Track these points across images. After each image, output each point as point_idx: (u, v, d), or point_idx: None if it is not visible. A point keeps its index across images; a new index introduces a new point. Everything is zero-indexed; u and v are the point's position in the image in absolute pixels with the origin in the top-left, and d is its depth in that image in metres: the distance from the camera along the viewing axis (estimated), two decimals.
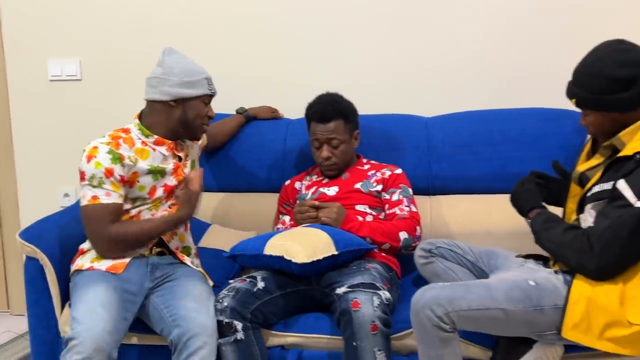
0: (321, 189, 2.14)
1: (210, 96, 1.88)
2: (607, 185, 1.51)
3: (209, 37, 2.58)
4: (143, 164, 1.80)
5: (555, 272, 1.60)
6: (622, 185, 1.47)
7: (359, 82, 2.46)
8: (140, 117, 1.87)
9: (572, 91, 1.60)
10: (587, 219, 1.56)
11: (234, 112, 2.42)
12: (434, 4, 2.42)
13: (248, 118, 2.40)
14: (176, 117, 1.83)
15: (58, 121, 2.74)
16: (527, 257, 1.75)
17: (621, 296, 1.48)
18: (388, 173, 2.13)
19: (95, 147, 1.75)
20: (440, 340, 1.51)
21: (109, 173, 1.73)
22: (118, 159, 1.75)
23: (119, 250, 1.79)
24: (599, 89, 1.53)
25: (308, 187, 2.19)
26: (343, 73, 2.50)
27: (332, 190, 2.13)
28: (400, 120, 2.33)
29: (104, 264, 1.78)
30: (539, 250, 1.69)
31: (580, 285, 1.51)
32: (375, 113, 2.34)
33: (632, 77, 1.50)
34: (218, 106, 2.39)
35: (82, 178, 1.75)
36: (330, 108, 2.09)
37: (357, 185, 2.11)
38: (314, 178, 2.21)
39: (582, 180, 1.64)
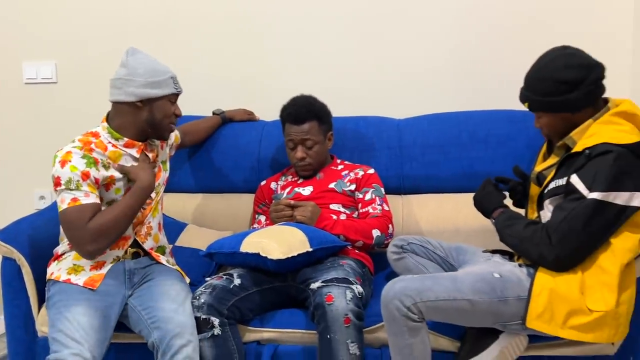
0: (296, 189, 2.19)
1: (176, 95, 1.87)
2: (562, 181, 1.60)
3: (185, 39, 2.61)
4: (115, 169, 1.80)
5: (520, 265, 1.68)
6: (575, 180, 1.56)
7: (333, 85, 2.51)
8: (107, 119, 1.86)
9: (525, 95, 1.68)
10: (547, 214, 1.65)
11: (211, 114, 2.46)
12: (405, 10, 2.49)
13: (224, 119, 2.43)
14: (143, 118, 1.82)
15: (34, 124, 2.74)
16: (494, 252, 1.82)
17: (581, 285, 1.56)
18: (361, 173, 2.19)
19: (69, 152, 1.74)
20: (409, 329, 1.57)
21: (85, 176, 1.72)
22: (93, 162, 1.74)
23: (104, 244, 1.74)
24: (549, 92, 1.62)
25: (283, 188, 2.23)
26: (318, 76, 2.55)
27: (307, 190, 2.18)
28: (372, 122, 2.39)
29: (81, 278, 1.78)
30: (504, 246, 1.77)
31: (543, 277, 1.59)
32: (349, 115, 2.40)
33: (578, 79, 1.60)
34: (194, 108, 2.44)
35: (58, 184, 1.72)
36: (304, 110, 2.14)
37: (331, 185, 2.17)
38: (289, 178, 2.26)
39: (540, 179, 1.73)
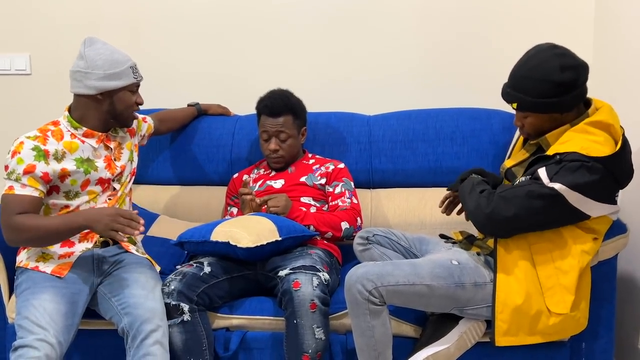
0: (268, 182, 2.24)
1: (137, 84, 1.87)
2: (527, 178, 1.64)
3: (159, 34, 2.63)
4: (70, 160, 1.80)
5: (478, 254, 1.75)
6: (541, 171, 1.58)
7: (305, 82, 2.55)
8: (70, 109, 1.87)
9: (512, 95, 1.66)
10: None
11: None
12: (377, 11, 2.55)
13: (199, 111, 2.46)
14: (105, 109, 1.83)
15: (7, 115, 2.74)
16: (454, 243, 1.89)
17: (541, 288, 1.62)
18: (332, 167, 2.25)
19: (22, 143, 1.76)
20: (370, 312, 1.62)
21: (28, 170, 1.74)
22: (42, 155, 1.75)
23: (20, 242, 1.78)
24: (542, 93, 1.61)
25: (255, 180, 2.27)
26: (291, 73, 2.60)
27: (278, 183, 2.22)
28: (343, 118, 2.45)
29: (49, 266, 1.79)
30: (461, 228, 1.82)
31: (503, 293, 1.64)
32: (321, 111, 2.46)
33: (573, 81, 1.60)
34: (167, 103, 2.47)
35: (6, 170, 1.76)
36: (280, 103, 2.19)
37: (302, 179, 2.22)
38: (262, 171, 2.30)
39: (508, 175, 1.77)
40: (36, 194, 1.76)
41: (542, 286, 1.62)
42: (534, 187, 1.58)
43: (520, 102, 1.65)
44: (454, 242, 1.88)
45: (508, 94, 1.68)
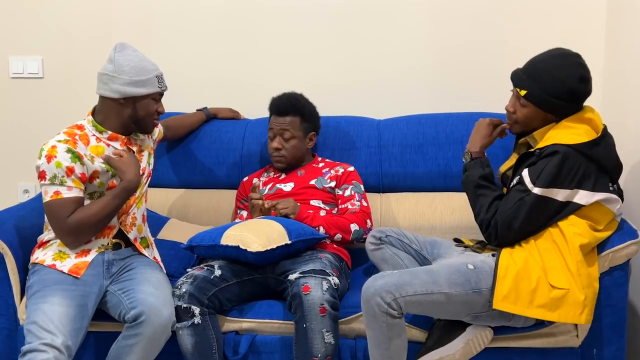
0: (278, 185, 2.24)
1: (160, 94, 1.90)
2: (516, 180, 1.72)
3: (171, 37, 2.65)
4: (99, 163, 1.84)
5: (493, 255, 1.75)
6: (525, 173, 1.68)
7: (315, 85, 2.54)
8: (94, 112, 1.90)
9: (525, 82, 1.71)
10: None
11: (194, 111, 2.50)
12: (388, 13, 2.55)
13: (208, 116, 2.47)
14: (126, 114, 1.86)
15: (19, 118, 2.76)
16: (466, 247, 1.88)
17: (542, 266, 1.65)
18: (341, 170, 2.25)
19: (54, 147, 1.78)
20: (388, 325, 1.62)
21: (70, 172, 1.77)
22: (77, 157, 1.78)
23: (82, 238, 1.83)
24: (554, 93, 1.68)
25: (265, 183, 2.28)
26: (301, 76, 2.60)
27: (288, 186, 2.23)
28: (353, 122, 2.45)
29: (67, 265, 1.80)
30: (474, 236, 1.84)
31: (506, 261, 1.67)
32: (331, 115, 2.46)
33: (583, 94, 1.69)
34: (178, 106, 2.48)
35: (43, 177, 1.77)
36: (289, 103, 2.21)
37: (312, 182, 2.22)
38: (271, 175, 2.31)
39: (504, 180, 1.82)
40: (81, 194, 1.81)
41: (545, 266, 1.65)
42: (522, 203, 1.65)
43: (530, 91, 1.70)
44: (465, 247, 1.88)
45: (521, 79, 1.72)
